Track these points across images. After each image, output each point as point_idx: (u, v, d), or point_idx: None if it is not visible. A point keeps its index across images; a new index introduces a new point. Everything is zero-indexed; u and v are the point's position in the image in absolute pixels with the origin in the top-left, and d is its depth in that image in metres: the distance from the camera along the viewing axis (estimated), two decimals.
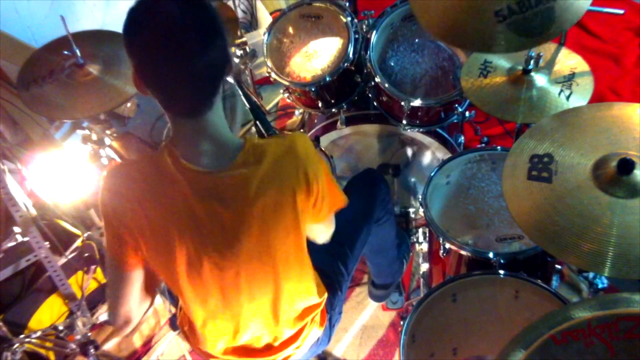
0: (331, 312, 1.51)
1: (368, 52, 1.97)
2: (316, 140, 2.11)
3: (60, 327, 2.05)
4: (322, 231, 1.40)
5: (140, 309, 1.28)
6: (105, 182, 1.14)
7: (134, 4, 0.99)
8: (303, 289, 1.33)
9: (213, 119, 1.09)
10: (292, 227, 1.19)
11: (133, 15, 0.99)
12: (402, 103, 1.90)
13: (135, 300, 1.24)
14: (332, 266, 1.57)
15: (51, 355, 2.10)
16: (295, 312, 1.34)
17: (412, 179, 2.31)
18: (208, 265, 1.16)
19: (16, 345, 1.88)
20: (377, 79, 1.94)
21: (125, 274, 1.20)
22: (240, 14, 3.22)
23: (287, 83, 2.06)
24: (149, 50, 0.99)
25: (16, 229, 1.95)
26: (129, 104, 2.86)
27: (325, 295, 1.44)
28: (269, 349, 1.36)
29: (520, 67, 1.66)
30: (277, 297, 1.27)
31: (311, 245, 1.31)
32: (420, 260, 2.08)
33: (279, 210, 1.15)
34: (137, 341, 2.25)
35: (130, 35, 1.00)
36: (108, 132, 1.98)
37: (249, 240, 1.15)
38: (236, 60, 2.59)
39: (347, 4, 2.12)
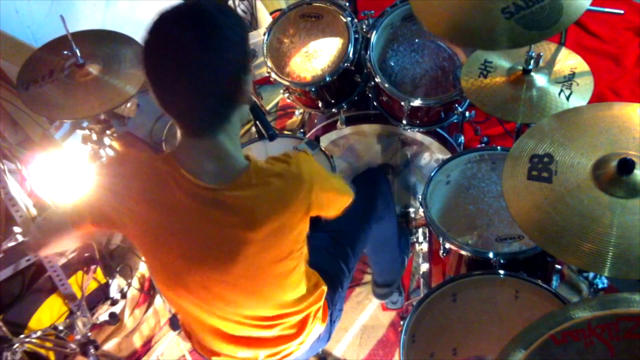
0: (332, 308, 1.52)
1: (368, 52, 1.96)
2: (316, 140, 2.11)
3: (60, 327, 2.06)
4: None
5: (63, 244, 1.32)
6: (102, 172, 1.16)
7: (150, 28, 1.00)
8: (297, 296, 1.33)
9: (222, 140, 1.08)
10: (289, 250, 1.21)
11: (148, 39, 1.00)
12: (402, 103, 1.90)
13: (62, 242, 1.28)
14: (333, 265, 1.57)
15: (51, 355, 2.10)
16: (291, 312, 1.35)
17: (412, 179, 2.31)
18: (197, 276, 1.17)
19: (16, 345, 1.88)
20: (377, 79, 1.94)
21: (70, 230, 1.21)
22: (240, 14, 3.22)
23: (287, 83, 2.06)
24: (158, 73, 1.01)
25: (16, 229, 1.95)
26: (129, 104, 2.86)
27: (324, 287, 1.43)
28: (270, 341, 1.37)
29: (520, 67, 1.66)
30: (269, 304, 1.28)
31: (312, 246, 1.32)
32: (420, 260, 2.09)
33: (279, 233, 1.16)
34: (137, 341, 2.26)
35: (144, 56, 1.01)
36: (108, 132, 1.98)
37: (245, 258, 1.15)
38: None
39: (347, 4, 2.12)
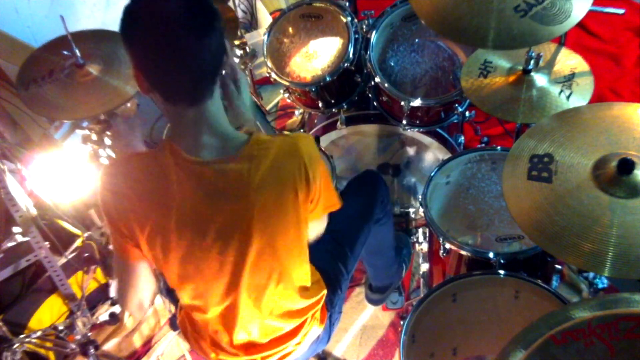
0: (331, 310, 1.51)
1: (368, 52, 1.97)
2: (316, 140, 2.11)
3: (60, 327, 2.06)
4: (313, 228, 1.40)
5: (154, 292, 1.31)
6: (105, 176, 1.15)
7: (128, 2, 1.01)
8: (301, 283, 1.34)
9: (212, 109, 1.10)
10: (293, 223, 1.21)
11: (129, 10, 1.00)
12: (402, 103, 1.90)
13: (146, 287, 1.27)
14: (333, 265, 1.57)
15: (51, 355, 2.10)
16: (293, 306, 1.35)
17: (412, 179, 2.31)
18: (208, 259, 1.17)
19: (16, 345, 1.89)
20: (377, 79, 1.94)
21: (130, 265, 1.23)
22: (240, 14, 3.22)
23: (287, 83, 2.06)
24: (147, 39, 1.01)
25: (16, 229, 1.95)
26: (129, 104, 2.85)
27: (324, 291, 1.44)
28: (265, 343, 1.37)
29: (520, 67, 1.66)
30: (275, 290, 1.27)
31: (312, 245, 1.32)
32: (420, 260, 2.08)
33: (280, 206, 1.16)
34: (137, 341, 2.26)
35: (128, 28, 1.01)
36: (108, 132, 1.98)
37: (251, 234, 1.16)
38: (236, 60, 2.58)
39: (347, 4, 2.12)
